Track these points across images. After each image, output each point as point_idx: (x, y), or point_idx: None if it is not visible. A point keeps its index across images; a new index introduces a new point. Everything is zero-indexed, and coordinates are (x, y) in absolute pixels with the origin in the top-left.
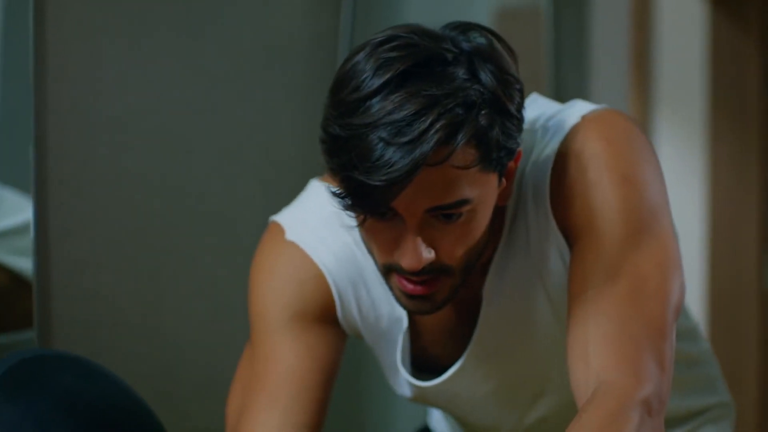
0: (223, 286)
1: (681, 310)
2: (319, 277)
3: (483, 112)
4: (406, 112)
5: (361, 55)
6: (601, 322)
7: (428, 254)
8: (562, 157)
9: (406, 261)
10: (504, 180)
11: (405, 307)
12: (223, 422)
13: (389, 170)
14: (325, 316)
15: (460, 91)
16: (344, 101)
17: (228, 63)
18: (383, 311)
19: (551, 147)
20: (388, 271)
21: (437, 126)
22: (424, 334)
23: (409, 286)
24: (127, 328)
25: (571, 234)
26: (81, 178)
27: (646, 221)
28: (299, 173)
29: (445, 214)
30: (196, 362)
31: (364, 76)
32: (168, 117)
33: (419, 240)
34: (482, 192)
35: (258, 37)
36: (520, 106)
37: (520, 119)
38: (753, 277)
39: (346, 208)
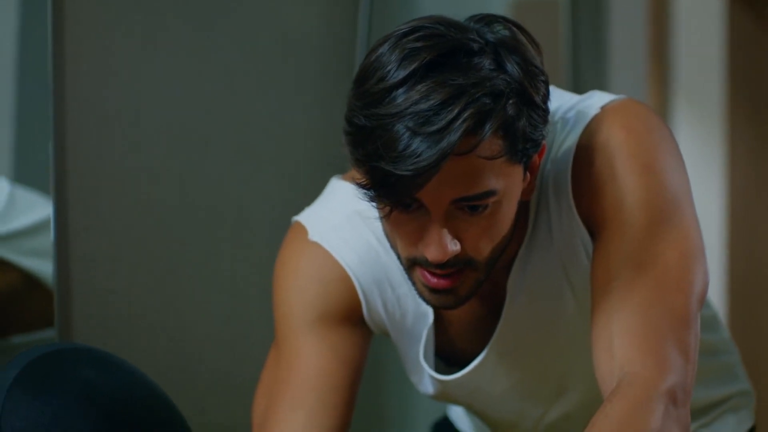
0: (240, 282)
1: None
2: (344, 278)
3: (510, 101)
4: (432, 102)
5: (385, 46)
6: (625, 314)
7: (454, 246)
8: (583, 149)
9: (432, 252)
10: (528, 174)
11: (428, 302)
12: (240, 416)
13: (416, 160)
14: (350, 316)
15: (486, 81)
16: (369, 92)
17: (244, 58)
18: (409, 308)
19: (571, 139)
20: (411, 265)
21: (465, 116)
22: (449, 329)
23: (433, 280)
24: (145, 323)
25: (593, 226)
26: (99, 175)
27: (668, 211)
28: (316, 168)
29: (471, 205)
30: (214, 357)
31: (390, 66)
32: (184, 113)
33: (445, 231)
34: (508, 184)
35: (274, 32)
36: (546, 98)
37: (546, 110)
38: None
39: (372, 199)
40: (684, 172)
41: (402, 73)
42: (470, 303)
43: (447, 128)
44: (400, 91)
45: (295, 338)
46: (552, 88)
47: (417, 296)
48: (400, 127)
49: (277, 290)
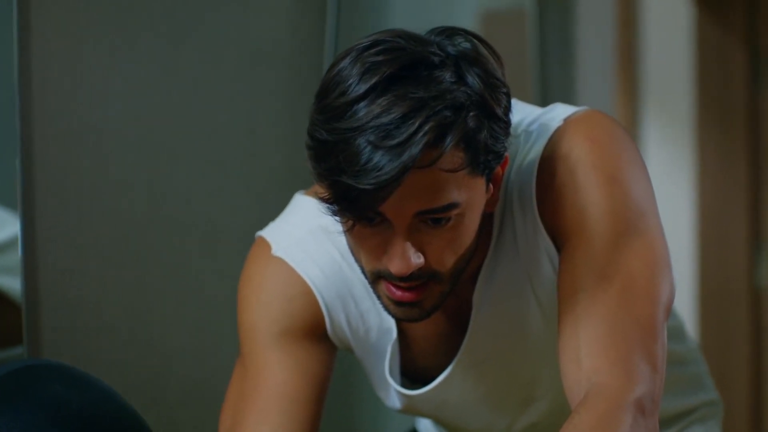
0: (209, 293)
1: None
2: (307, 293)
3: (471, 114)
4: (393, 116)
5: (346, 61)
6: (592, 324)
7: (417, 259)
8: (547, 161)
9: (395, 266)
10: (491, 186)
11: (393, 315)
12: (210, 429)
13: (378, 174)
14: (314, 331)
15: (447, 94)
16: (330, 106)
17: (212, 69)
18: (372, 323)
19: (535, 151)
20: (376, 279)
21: (425, 129)
22: (414, 344)
23: (398, 293)
24: (114, 336)
25: (559, 237)
26: (67, 187)
27: (633, 221)
28: (285, 179)
29: (434, 218)
30: (184, 369)
31: (351, 81)
32: (152, 124)
33: (408, 245)
34: (470, 196)
35: (242, 42)
36: (507, 110)
37: (508, 123)
38: (742, 274)
39: (335, 213)
40: (648, 181)
41: (363, 87)
42: (435, 317)
43: (408, 141)
44: (362, 105)
45: (260, 354)
46: (514, 101)
47: (381, 311)
48: (361, 141)
49: (242, 306)
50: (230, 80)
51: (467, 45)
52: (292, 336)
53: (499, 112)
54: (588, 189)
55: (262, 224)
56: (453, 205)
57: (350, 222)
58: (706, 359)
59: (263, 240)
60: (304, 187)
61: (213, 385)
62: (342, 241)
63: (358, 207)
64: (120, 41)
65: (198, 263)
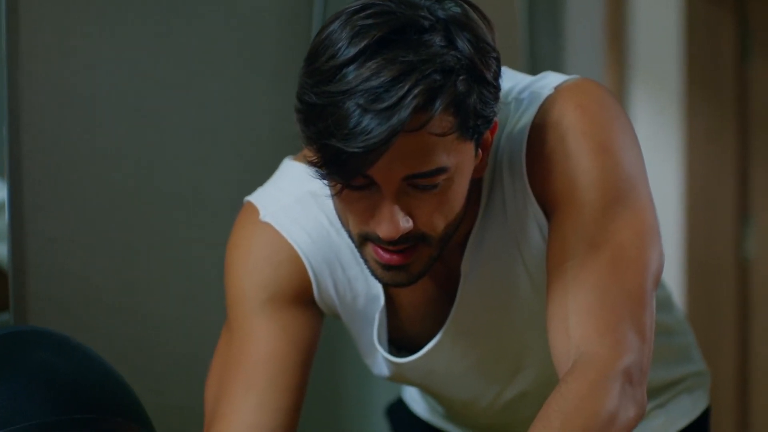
0: (197, 263)
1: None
2: (295, 259)
3: (461, 77)
4: (383, 79)
5: (336, 24)
6: (581, 293)
7: (406, 223)
8: (538, 128)
9: (383, 230)
10: (480, 151)
11: (380, 279)
12: (199, 399)
13: (367, 137)
14: (301, 297)
15: (437, 58)
16: (320, 69)
17: (200, 37)
18: (360, 290)
19: (526, 118)
20: (363, 241)
21: (415, 92)
22: (402, 312)
23: (386, 256)
24: (102, 305)
25: (548, 205)
26: (55, 156)
27: (623, 190)
28: (274, 149)
29: (423, 183)
30: (172, 339)
31: (340, 44)
32: (141, 94)
33: (396, 208)
34: (459, 161)
35: (230, 10)
36: (497, 75)
37: (497, 87)
38: (729, 246)
39: (323, 177)
40: (638, 150)
41: (352, 51)
42: (423, 284)
43: (397, 105)
44: (351, 68)
45: (247, 320)
46: (505, 69)
47: (369, 277)
48: (350, 105)
49: (229, 272)
50: (217, 48)
51: (457, 9)
52: (280, 302)
53: (489, 76)
54: (578, 157)
55: (250, 193)
56: (442, 170)
57: (339, 186)
58: (694, 330)
59: (251, 205)
60: (292, 155)
61: (200, 354)
62: (330, 207)
63: (346, 170)
64: (108, 9)
65: (185, 232)
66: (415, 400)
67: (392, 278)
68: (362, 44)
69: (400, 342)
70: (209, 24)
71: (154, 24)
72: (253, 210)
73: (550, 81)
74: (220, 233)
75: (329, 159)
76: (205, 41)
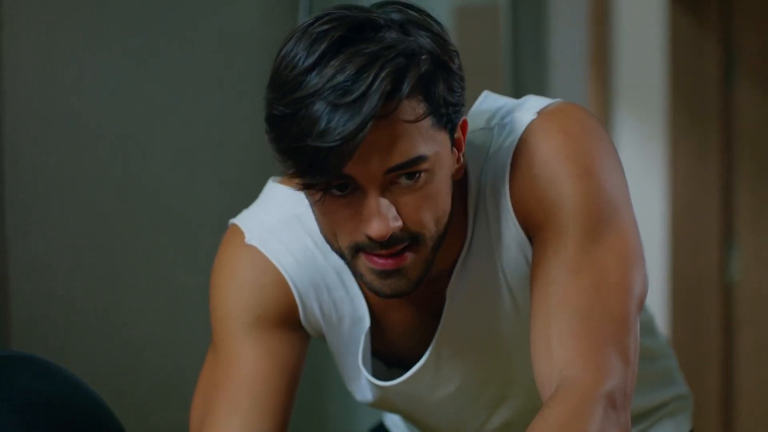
0: (181, 285)
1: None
2: (280, 281)
3: (423, 57)
4: (348, 73)
5: (292, 40)
6: (564, 317)
7: (395, 222)
8: (521, 153)
9: (373, 227)
10: (456, 150)
11: (379, 291)
12: (182, 422)
13: (341, 130)
14: (286, 319)
15: (398, 44)
16: (284, 81)
17: (184, 62)
18: (345, 312)
19: (509, 143)
20: (355, 254)
21: (382, 76)
22: (387, 335)
23: (380, 261)
24: (85, 328)
25: (532, 229)
26: (38, 178)
27: (606, 213)
28: (257, 172)
29: (405, 173)
30: (155, 361)
31: (299, 55)
32: (125, 117)
33: (383, 201)
34: (437, 151)
35: (214, 36)
36: (460, 68)
37: (462, 78)
38: (714, 269)
39: (304, 186)
40: (622, 173)
41: (313, 57)
42: (409, 309)
43: (366, 93)
44: (314, 72)
45: (232, 342)
46: (488, 93)
47: (354, 300)
48: (319, 105)
49: (214, 294)
50: (202, 73)
51: (413, 13)
52: (265, 324)
53: (453, 66)
54: (561, 181)
55: (233, 217)
56: (421, 158)
57: (320, 193)
58: (678, 354)
59: (236, 227)
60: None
61: (183, 378)
62: (316, 229)
63: (327, 169)
64: (93, 34)
65: (169, 256)
66: (396, 425)
67: (392, 287)
68: (321, 48)
69: (385, 366)
70: (194, 47)
71: (138, 47)
72: (238, 232)
73: (532, 105)
74: (204, 257)
75: (307, 162)
76: (190, 65)
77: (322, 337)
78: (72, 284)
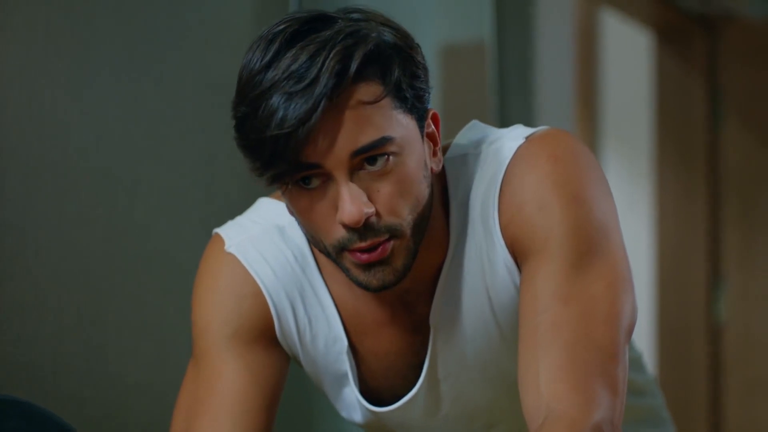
0: (168, 327)
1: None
2: (257, 293)
3: (373, 36)
4: (300, 61)
5: (251, 47)
6: (552, 348)
7: (368, 208)
8: (510, 178)
9: (346, 212)
10: (430, 143)
11: (366, 285)
12: None
13: (297, 113)
14: (264, 334)
15: (349, 29)
16: (245, 84)
17: (169, 103)
18: (320, 330)
19: (498, 167)
20: (339, 251)
21: (330, 57)
22: (366, 359)
23: (363, 256)
24: (72, 371)
25: (520, 255)
26: (25, 220)
27: (596, 241)
28: (243, 212)
29: (371, 156)
30: (142, 404)
31: (257, 57)
32: (110, 158)
33: (354, 186)
34: (404, 135)
35: (200, 75)
36: (424, 59)
37: (425, 68)
38: (701, 308)
39: (272, 179)
40: (611, 199)
41: (269, 56)
42: (389, 333)
43: (318, 76)
44: (271, 68)
45: (213, 356)
46: (476, 122)
47: (329, 319)
48: (276, 97)
49: (195, 304)
50: (189, 114)
51: (373, 13)
52: (244, 338)
53: (414, 55)
54: (551, 207)
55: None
56: (386, 139)
57: (287, 186)
58: (666, 393)
59: (218, 236)
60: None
61: (170, 420)
62: (298, 243)
63: (287, 157)
64: (77, 75)
65: (156, 298)
66: None
67: (378, 278)
68: (276, 45)
69: (367, 389)
70: (179, 88)
71: (123, 88)
72: (219, 241)
73: (521, 132)
74: (190, 298)
75: (269, 153)
76: (175, 105)
77: (296, 358)
78: (59, 327)
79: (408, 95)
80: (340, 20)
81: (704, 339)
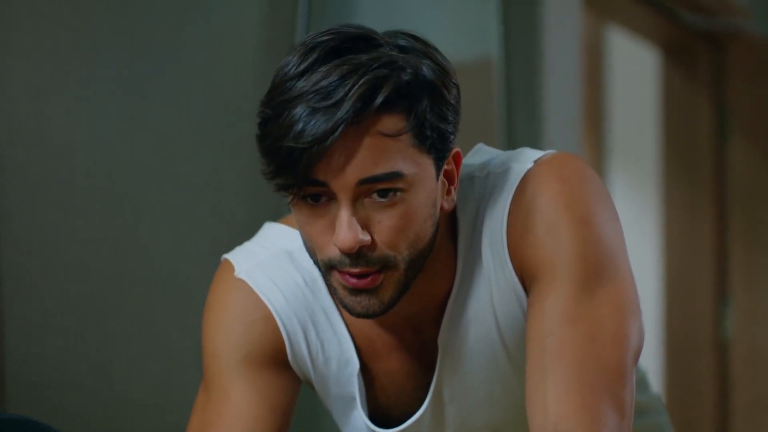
0: (174, 348)
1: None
2: (268, 318)
3: (409, 71)
4: (331, 79)
5: (293, 51)
6: (559, 370)
7: (364, 236)
8: (518, 201)
9: (340, 238)
10: (446, 182)
11: (351, 309)
12: None
13: (315, 131)
14: (275, 358)
15: (386, 57)
16: (275, 86)
17: (175, 123)
18: (332, 353)
19: (506, 191)
20: (329, 269)
21: (360, 83)
22: (377, 381)
23: (352, 280)
24: (80, 389)
25: (528, 278)
26: (31, 240)
27: (603, 263)
28: (249, 233)
29: (379, 189)
30: (149, 423)
31: (292, 64)
32: (117, 177)
33: (353, 218)
34: (417, 173)
35: (208, 96)
36: (457, 99)
37: (457, 110)
38: (708, 325)
39: (279, 187)
40: (618, 223)
41: (304, 64)
42: (400, 355)
43: (343, 99)
44: (303, 78)
45: (223, 381)
46: (482, 145)
47: (341, 342)
48: (300, 108)
49: (205, 330)
50: (195, 131)
51: (418, 42)
52: (254, 363)
53: (446, 95)
54: (559, 230)
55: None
56: (396, 174)
57: (292, 197)
58: (672, 411)
59: (227, 262)
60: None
61: None
62: (307, 267)
63: (298, 171)
64: (82, 94)
65: (163, 318)
66: None
67: (363, 306)
68: (313, 56)
69: (377, 411)
70: (187, 107)
71: (130, 107)
72: (229, 266)
73: (528, 155)
74: (198, 317)
75: (281, 162)
76: (182, 124)
77: (308, 381)
78: (65, 345)
79: (429, 134)
80: (383, 45)
81: (711, 356)
